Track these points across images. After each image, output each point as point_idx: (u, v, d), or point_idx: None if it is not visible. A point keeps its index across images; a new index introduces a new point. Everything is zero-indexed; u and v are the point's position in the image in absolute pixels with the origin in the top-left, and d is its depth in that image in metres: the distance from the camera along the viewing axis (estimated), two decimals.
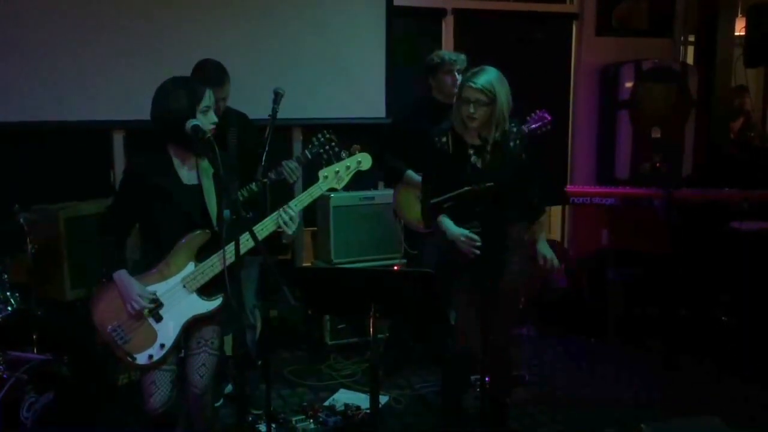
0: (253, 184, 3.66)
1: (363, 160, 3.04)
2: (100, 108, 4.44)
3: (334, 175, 2.98)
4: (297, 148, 5.06)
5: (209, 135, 2.68)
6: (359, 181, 3.23)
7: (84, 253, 3.94)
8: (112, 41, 4.47)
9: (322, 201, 4.80)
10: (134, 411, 3.85)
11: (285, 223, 2.83)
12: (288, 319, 4.79)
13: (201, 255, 2.79)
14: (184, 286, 2.78)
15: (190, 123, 2.66)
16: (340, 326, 4.78)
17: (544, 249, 3.39)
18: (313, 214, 5.05)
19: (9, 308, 3.26)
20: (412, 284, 2.64)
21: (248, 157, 3.66)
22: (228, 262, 2.69)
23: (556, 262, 3.40)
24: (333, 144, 3.66)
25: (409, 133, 4.09)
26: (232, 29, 4.74)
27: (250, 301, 3.98)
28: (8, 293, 3.27)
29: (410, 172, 4.18)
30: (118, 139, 4.68)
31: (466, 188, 3.04)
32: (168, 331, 2.78)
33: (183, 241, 2.77)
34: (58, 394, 3.13)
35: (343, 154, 3.32)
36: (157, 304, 2.77)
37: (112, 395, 3.91)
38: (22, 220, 3.50)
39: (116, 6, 4.49)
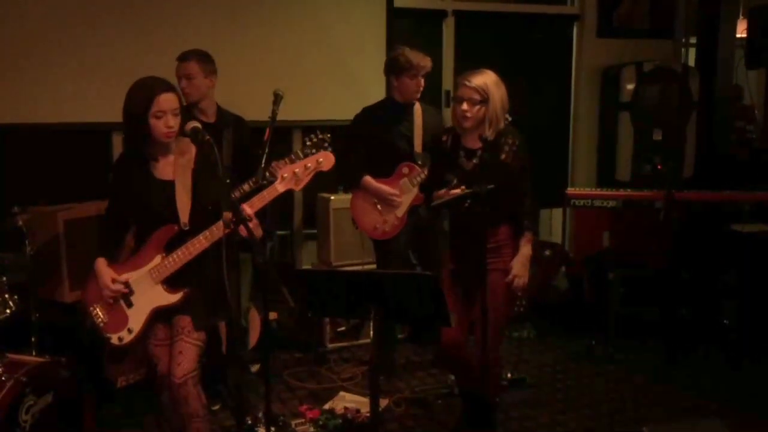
0: (246, 184, 3.65)
1: (324, 160, 2.85)
2: (99, 110, 4.42)
3: (293, 176, 2.82)
4: None
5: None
6: None
7: (83, 255, 3.92)
8: (112, 42, 4.46)
9: (322, 203, 4.79)
10: (133, 413, 3.85)
11: (240, 223, 2.62)
12: (287, 322, 4.77)
13: (170, 248, 2.86)
14: (151, 277, 2.88)
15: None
16: (339, 329, 4.78)
17: (517, 266, 3.25)
18: (313, 216, 5.05)
19: (8, 310, 3.24)
20: (415, 287, 2.63)
21: (242, 157, 3.69)
22: (194, 255, 2.80)
23: (521, 283, 3.24)
24: (326, 144, 3.65)
25: (367, 135, 4.08)
26: (232, 30, 4.73)
27: (243, 303, 3.95)
28: (7, 295, 3.26)
29: (368, 179, 4.09)
30: (117, 140, 4.65)
31: (468, 190, 3.06)
32: (136, 317, 2.92)
33: (154, 234, 2.87)
34: (57, 397, 3.11)
35: (307, 152, 3.33)
36: (128, 291, 2.90)
37: (111, 397, 3.90)
38: (20, 222, 3.49)
39: (116, 7, 4.48)
